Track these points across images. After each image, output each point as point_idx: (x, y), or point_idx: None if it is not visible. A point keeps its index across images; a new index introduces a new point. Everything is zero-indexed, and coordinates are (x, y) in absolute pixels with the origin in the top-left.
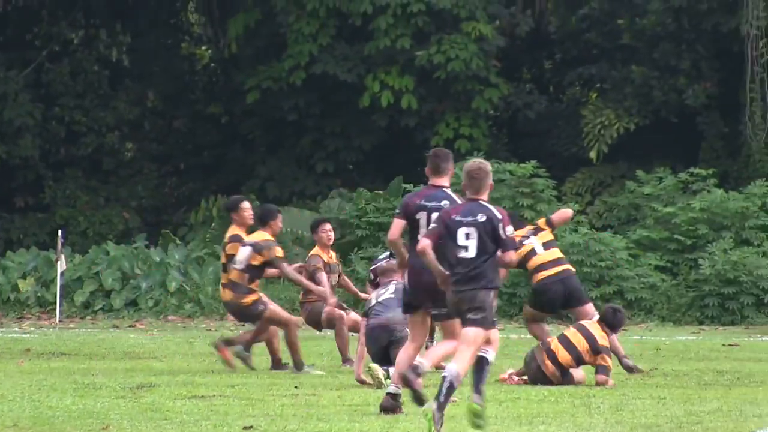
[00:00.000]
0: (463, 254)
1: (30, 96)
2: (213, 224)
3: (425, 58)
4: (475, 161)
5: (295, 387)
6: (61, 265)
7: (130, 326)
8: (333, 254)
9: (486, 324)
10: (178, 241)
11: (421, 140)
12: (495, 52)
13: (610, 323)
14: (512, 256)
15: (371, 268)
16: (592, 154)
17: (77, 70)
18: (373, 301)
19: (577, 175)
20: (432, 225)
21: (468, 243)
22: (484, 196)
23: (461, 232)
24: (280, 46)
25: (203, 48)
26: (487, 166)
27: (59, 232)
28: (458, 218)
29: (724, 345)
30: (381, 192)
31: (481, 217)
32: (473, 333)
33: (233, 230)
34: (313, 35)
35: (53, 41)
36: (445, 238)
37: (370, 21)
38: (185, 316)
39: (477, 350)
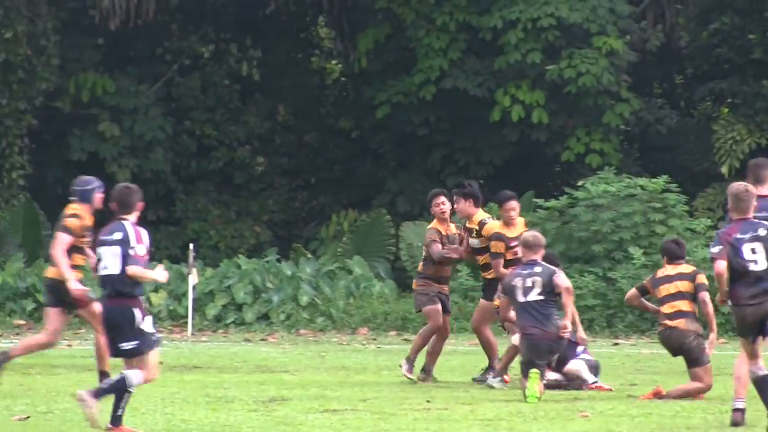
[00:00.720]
0: (753, 267)
1: (161, 110)
2: (344, 238)
3: (556, 72)
4: (741, 184)
5: (427, 401)
6: (193, 279)
7: (261, 340)
8: (452, 226)
9: None
10: (309, 255)
11: (552, 155)
12: (626, 66)
13: (676, 254)
14: None
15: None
16: (724, 170)
17: (207, 84)
18: (520, 296)
19: (709, 191)
20: (716, 248)
21: (755, 257)
22: (751, 215)
23: (746, 248)
24: (410, 60)
25: (333, 62)
26: (753, 188)
27: (191, 245)
28: (739, 236)
29: None
30: None
31: (762, 231)
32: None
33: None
34: (443, 50)
35: (183, 55)
36: (732, 258)
37: (500, 35)
38: (317, 329)
39: None
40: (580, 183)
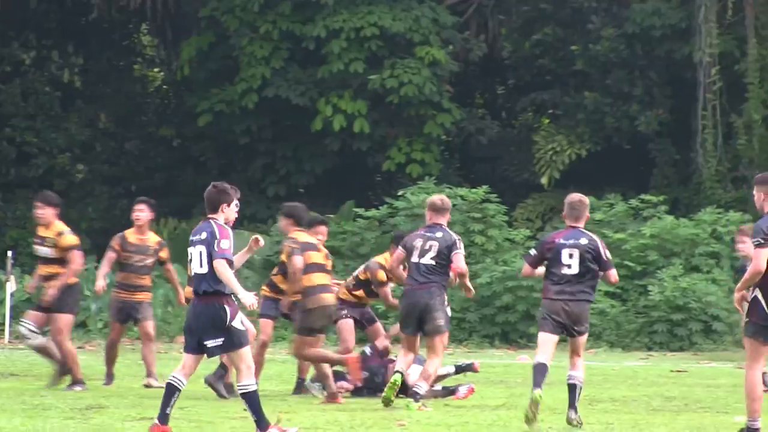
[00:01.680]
0: (566, 271)
1: None
2: None
3: (378, 82)
4: (576, 195)
5: (244, 410)
6: (11, 286)
7: (79, 348)
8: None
9: (586, 333)
10: None
11: (373, 164)
12: (448, 77)
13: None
14: (614, 274)
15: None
16: (544, 180)
17: (28, 91)
18: (415, 256)
19: (528, 201)
20: (532, 251)
21: (571, 262)
22: (582, 224)
23: (565, 253)
24: (233, 69)
25: (155, 70)
26: (586, 199)
27: (9, 252)
28: (562, 241)
29: (672, 371)
30: (332, 216)
31: (583, 241)
32: (582, 341)
33: None
34: (266, 58)
35: (4, 62)
36: (550, 259)
37: (323, 45)
38: (134, 338)
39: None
40: (400, 193)
